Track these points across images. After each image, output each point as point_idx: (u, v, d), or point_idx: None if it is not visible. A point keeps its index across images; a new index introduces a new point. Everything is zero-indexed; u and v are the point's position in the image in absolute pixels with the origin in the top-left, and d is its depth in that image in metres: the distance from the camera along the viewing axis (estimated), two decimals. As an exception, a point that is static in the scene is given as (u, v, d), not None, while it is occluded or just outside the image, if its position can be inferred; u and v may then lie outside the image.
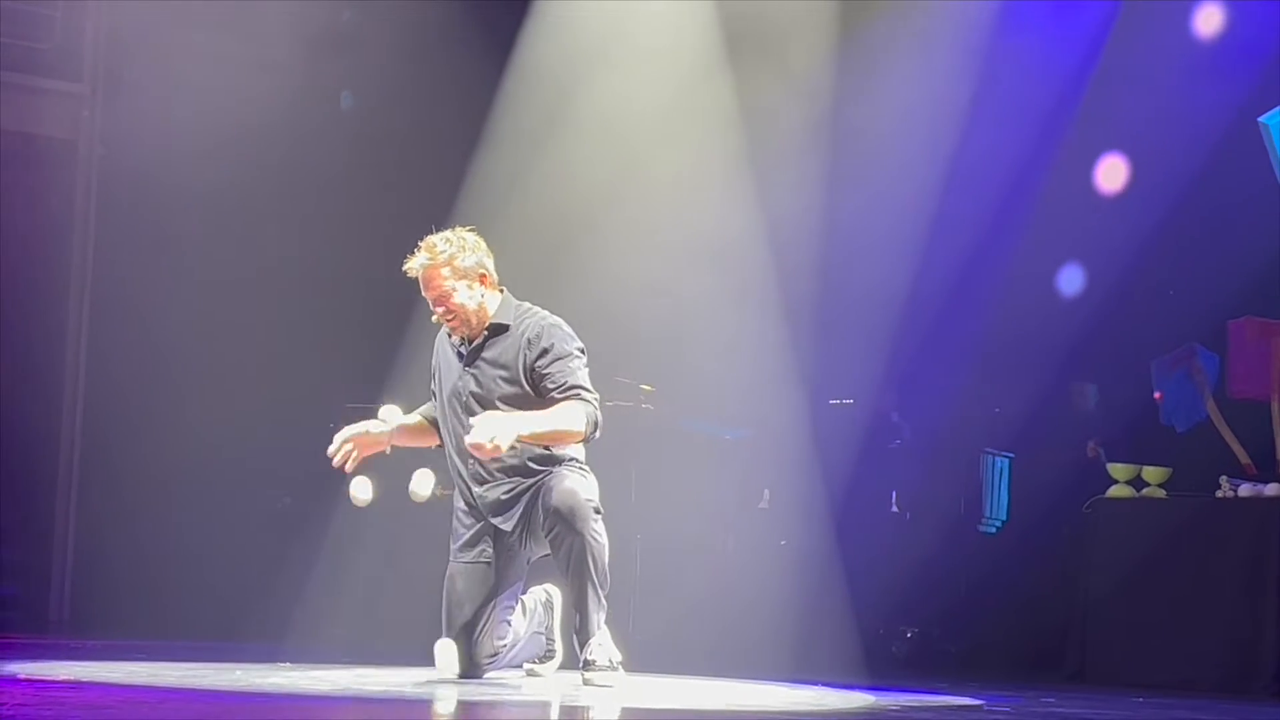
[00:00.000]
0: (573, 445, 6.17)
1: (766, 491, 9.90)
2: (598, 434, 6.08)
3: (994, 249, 10.32)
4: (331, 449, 6.28)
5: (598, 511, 6.07)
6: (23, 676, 5.80)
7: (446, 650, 6.21)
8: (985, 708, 6.19)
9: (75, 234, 10.63)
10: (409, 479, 6.29)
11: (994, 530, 10.27)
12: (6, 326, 10.46)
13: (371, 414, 8.98)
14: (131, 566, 9.83)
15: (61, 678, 5.81)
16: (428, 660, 6.48)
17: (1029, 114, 10.24)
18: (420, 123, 10.73)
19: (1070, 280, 10.45)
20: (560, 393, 6.07)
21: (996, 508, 10.29)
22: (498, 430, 5.83)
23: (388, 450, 6.33)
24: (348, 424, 8.86)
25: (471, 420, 5.96)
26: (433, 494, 6.29)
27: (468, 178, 10.23)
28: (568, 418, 6.01)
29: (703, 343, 9.80)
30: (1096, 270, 10.15)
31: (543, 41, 10.25)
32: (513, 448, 5.93)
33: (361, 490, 6.29)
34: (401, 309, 9.25)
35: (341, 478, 9.01)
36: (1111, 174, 10.39)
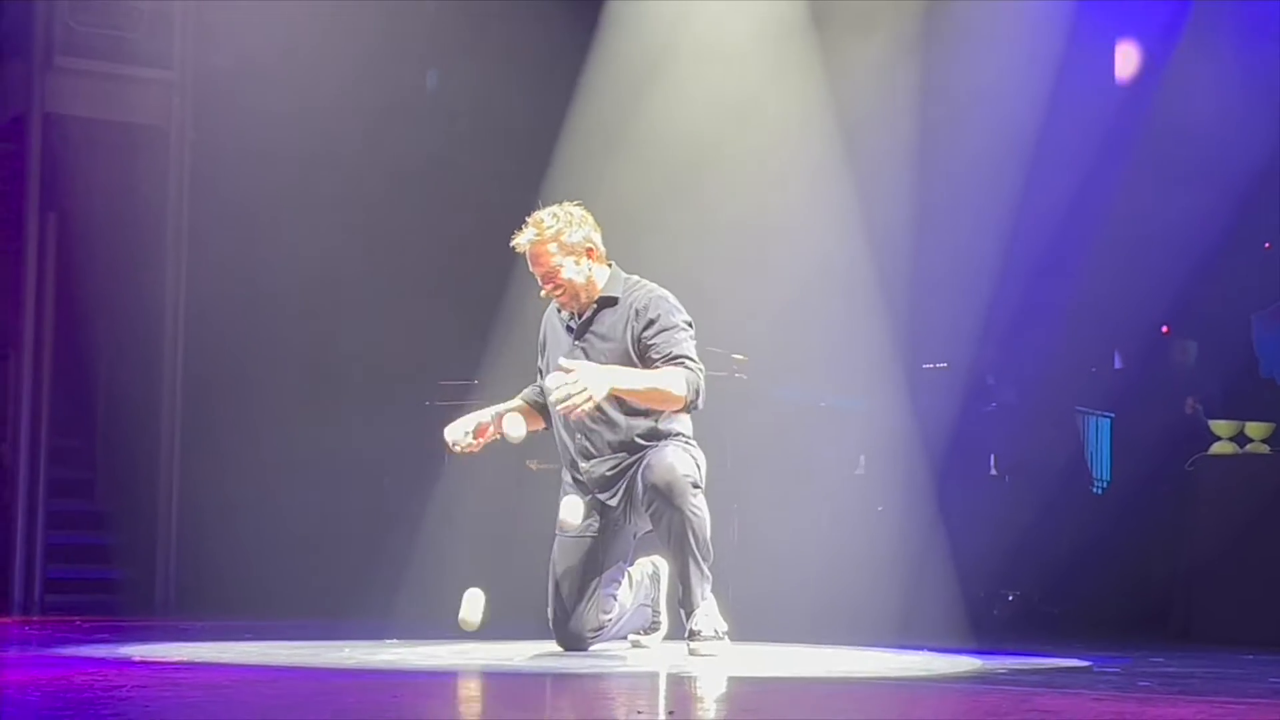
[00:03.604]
0: (675, 413, 6.16)
1: (862, 458, 9.87)
2: (700, 402, 6.05)
3: (1088, 208, 10.22)
4: (454, 441, 6.21)
5: (696, 486, 6.05)
6: (138, 658, 5.88)
7: (473, 599, 6.19)
8: (1094, 669, 6.15)
9: (169, 220, 10.73)
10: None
11: (1100, 491, 10.19)
12: (105, 316, 10.60)
13: (466, 390, 9.06)
14: (235, 547, 9.92)
15: (175, 659, 5.88)
16: (536, 635, 6.52)
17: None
18: (506, 102, 10.75)
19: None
20: (665, 362, 6.06)
21: (1100, 468, 10.21)
22: (591, 380, 5.82)
23: (499, 436, 6.30)
24: (443, 401, 8.93)
25: (563, 361, 5.94)
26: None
27: (556, 153, 10.23)
28: (667, 379, 6.00)
29: (795, 310, 9.76)
30: (1194, 226, 10.03)
31: (630, 20, 10.24)
32: (613, 421, 5.90)
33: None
34: (495, 286, 9.29)
35: (437, 461, 9.07)
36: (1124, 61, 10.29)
